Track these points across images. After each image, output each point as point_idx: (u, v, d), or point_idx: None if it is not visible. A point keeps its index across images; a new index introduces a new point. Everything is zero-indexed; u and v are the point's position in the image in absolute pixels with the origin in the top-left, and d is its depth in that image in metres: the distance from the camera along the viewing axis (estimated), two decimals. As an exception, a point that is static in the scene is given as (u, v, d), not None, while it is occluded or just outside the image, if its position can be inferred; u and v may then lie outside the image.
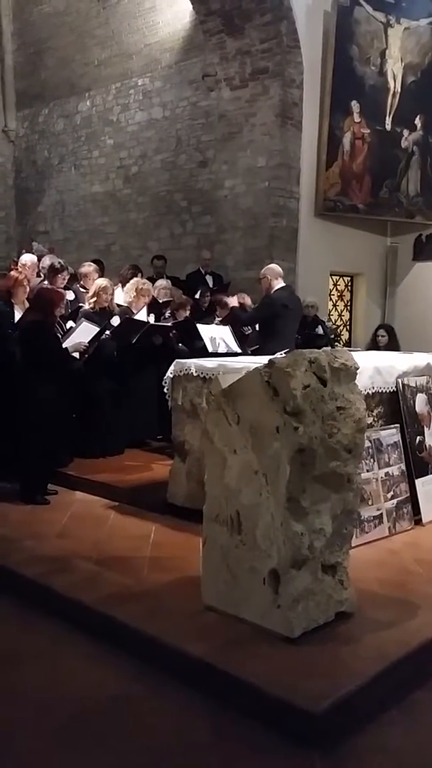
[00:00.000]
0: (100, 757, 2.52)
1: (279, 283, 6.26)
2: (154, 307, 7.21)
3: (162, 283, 8.17)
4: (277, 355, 4.96)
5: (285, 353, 5.13)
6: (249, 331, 7.16)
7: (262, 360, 4.60)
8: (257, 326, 6.98)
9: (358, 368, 3.28)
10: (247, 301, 7.26)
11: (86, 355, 5.81)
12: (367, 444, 4.20)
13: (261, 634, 3.13)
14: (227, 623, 3.26)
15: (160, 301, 7.59)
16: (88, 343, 5.77)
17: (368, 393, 4.62)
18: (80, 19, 11.57)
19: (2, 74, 12.73)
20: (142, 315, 6.70)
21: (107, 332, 6.20)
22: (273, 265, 6.49)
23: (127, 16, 10.89)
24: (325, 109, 9.33)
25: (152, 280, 8.04)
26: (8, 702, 2.85)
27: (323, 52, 9.25)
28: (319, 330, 8.78)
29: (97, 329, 5.94)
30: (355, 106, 9.59)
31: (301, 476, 3.02)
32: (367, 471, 4.40)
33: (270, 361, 3.12)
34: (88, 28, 11.47)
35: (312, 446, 3.00)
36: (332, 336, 9.26)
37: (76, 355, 5.70)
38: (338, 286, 10.64)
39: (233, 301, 7.04)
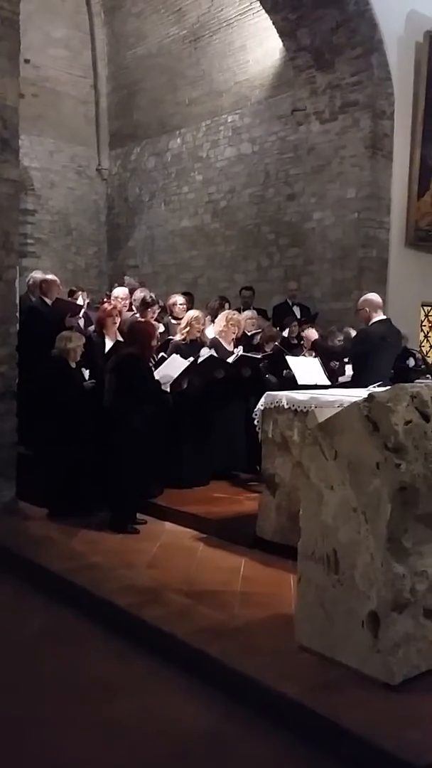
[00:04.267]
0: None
1: (378, 316, 6.09)
2: (242, 338, 7.23)
3: (248, 313, 8.20)
4: (371, 388, 4.88)
5: (378, 386, 5.06)
6: (336, 365, 7.06)
7: (356, 393, 4.52)
8: (346, 359, 6.87)
9: (462, 404, 3.16)
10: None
11: (180, 388, 5.89)
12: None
13: (359, 679, 3.02)
14: (322, 665, 3.17)
15: (249, 333, 7.61)
16: (178, 377, 5.84)
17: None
18: (172, 60, 11.94)
19: (97, 116, 13.23)
20: (230, 349, 6.73)
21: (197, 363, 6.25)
22: (372, 296, 6.25)
23: (217, 55, 11.16)
24: (417, 139, 9.21)
25: (239, 311, 8.09)
26: (104, 734, 2.84)
27: (415, 83, 9.18)
28: (411, 362, 8.56)
29: (187, 362, 6.01)
30: (447, 135, 9.44)
31: (403, 515, 2.92)
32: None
33: (370, 395, 3.05)
34: (180, 69, 11.82)
35: (415, 484, 2.89)
36: (423, 367, 9.00)
37: (167, 387, 5.78)
38: (430, 317, 10.39)
39: (313, 334, 6.90)
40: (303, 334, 7.25)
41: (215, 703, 3.08)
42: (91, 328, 6.82)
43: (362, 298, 6.33)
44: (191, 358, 6.16)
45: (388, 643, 2.93)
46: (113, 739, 2.81)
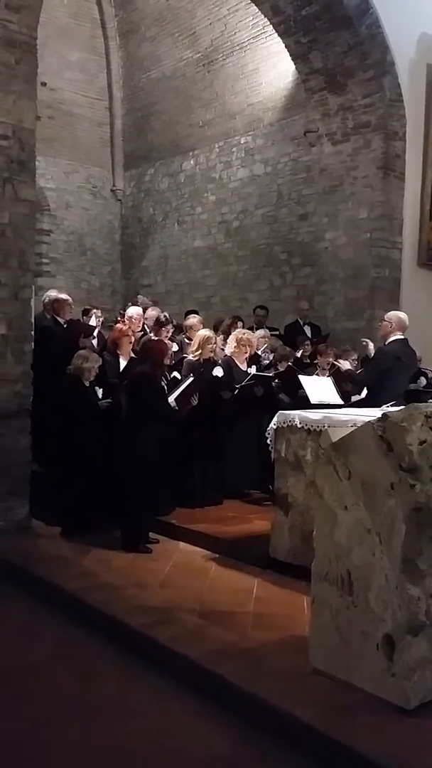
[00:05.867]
0: None
1: (397, 335, 6.09)
2: (253, 358, 7.25)
3: (260, 332, 8.23)
4: (385, 407, 4.87)
5: (390, 406, 5.04)
6: (349, 387, 7.06)
7: (369, 413, 4.51)
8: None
9: None
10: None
11: (189, 406, 5.90)
12: None
13: (373, 703, 2.98)
14: (336, 688, 3.14)
15: (260, 353, 7.63)
16: (185, 393, 5.86)
17: None
18: (186, 83, 12.09)
19: (112, 137, 13.41)
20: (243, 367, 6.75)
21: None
22: (401, 315, 6.20)
23: (230, 78, 11.29)
24: (429, 159, 9.25)
25: (252, 330, 8.12)
26: (115, 755, 2.82)
27: (426, 104, 9.23)
28: (422, 382, 8.52)
29: (189, 379, 6.04)
30: (459, 155, 9.47)
31: (418, 536, 2.90)
32: None
33: (384, 414, 3.04)
34: (194, 92, 11.96)
35: (429, 505, 2.88)
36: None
37: (174, 404, 5.80)
38: (442, 337, 10.35)
39: (345, 365, 6.91)
40: (337, 363, 7.19)
41: (228, 725, 3.05)
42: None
43: (392, 313, 6.32)
44: (191, 378, 6.14)
45: (403, 667, 2.90)
46: (124, 761, 2.79)
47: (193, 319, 7.61)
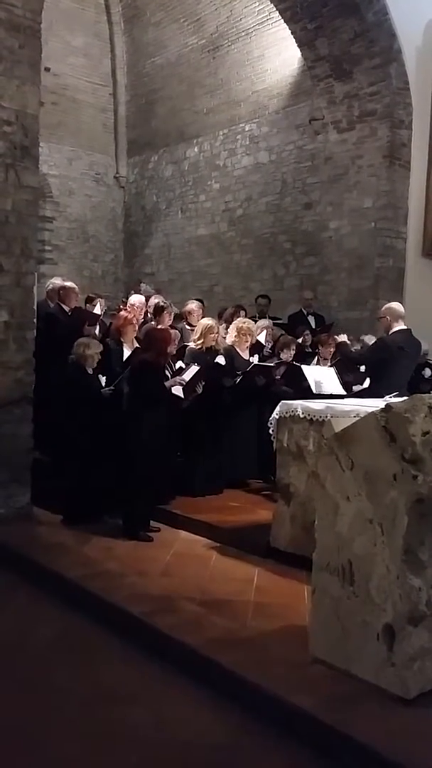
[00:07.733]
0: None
1: (399, 325, 6.06)
2: (256, 347, 7.22)
3: (264, 322, 8.19)
4: (387, 398, 4.85)
5: (393, 396, 5.02)
6: (351, 377, 7.04)
7: (372, 403, 4.50)
8: (363, 367, 6.84)
9: None
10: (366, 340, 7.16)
11: (194, 394, 5.90)
12: None
13: (373, 692, 2.99)
14: (336, 678, 3.14)
15: (262, 342, 7.60)
16: (191, 381, 5.85)
17: None
18: (191, 69, 12.00)
19: (116, 124, 13.33)
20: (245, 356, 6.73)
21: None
22: (394, 305, 6.24)
23: (235, 64, 11.20)
24: (435, 148, 9.20)
25: (255, 319, 8.09)
26: (115, 742, 2.83)
27: (433, 92, 9.18)
28: (426, 373, 8.50)
29: (197, 368, 6.02)
30: (465, 144, 9.38)
31: (420, 528, 2.89)
32: None
33: (387, 405, 3.03)
34: (198, 78, 11.88)
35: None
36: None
37: (180, 393, 5.78)
38: (446, 328, 10.31)
39: (342, 337, 6.90)
40: (332, 337, 7.19)
41: (228, 713, 3.06)
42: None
43: (385, 306, 6.31)
44: (196, 366, 6.13)
45: (403, 657, 2.91)
46: (124, 748, 2.79)
47: (191, 305, 7.58)
